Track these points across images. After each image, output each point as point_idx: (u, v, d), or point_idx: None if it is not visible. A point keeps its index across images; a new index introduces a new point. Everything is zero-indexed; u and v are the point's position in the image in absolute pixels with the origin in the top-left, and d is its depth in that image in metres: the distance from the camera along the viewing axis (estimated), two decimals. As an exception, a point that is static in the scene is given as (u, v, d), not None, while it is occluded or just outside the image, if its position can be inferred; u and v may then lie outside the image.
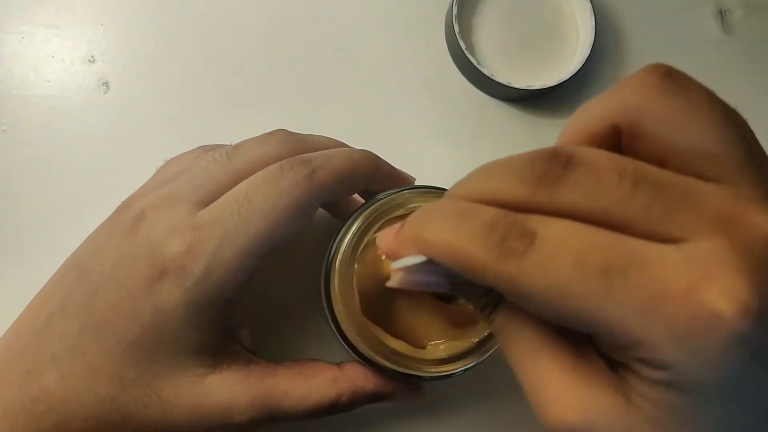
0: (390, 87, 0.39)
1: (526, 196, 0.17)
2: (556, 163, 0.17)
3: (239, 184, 0.27)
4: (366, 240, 0.28)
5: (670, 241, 0.16)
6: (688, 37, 0.42)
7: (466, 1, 0.39)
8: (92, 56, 0.37)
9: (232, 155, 0.28)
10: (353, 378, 0.29)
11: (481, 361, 0.28)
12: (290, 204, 0.26)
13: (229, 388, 0.27)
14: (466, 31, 0.39)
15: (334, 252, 0.28)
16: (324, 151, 0.29)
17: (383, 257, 0.29)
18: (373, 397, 0.30)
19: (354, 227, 0.28)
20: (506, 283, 0.17)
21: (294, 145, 0.29)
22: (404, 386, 0.30)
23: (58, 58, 0.37)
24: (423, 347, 0.29)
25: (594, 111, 0.19)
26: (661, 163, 0.17)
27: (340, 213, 0.33)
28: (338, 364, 0.30)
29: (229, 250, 0.26)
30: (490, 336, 0.28)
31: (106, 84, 0.37)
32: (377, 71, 0.39)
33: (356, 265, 0.28)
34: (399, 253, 0.19)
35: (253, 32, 0.38)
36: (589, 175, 0.17)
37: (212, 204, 0.27)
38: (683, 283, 0.15)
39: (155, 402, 0.26)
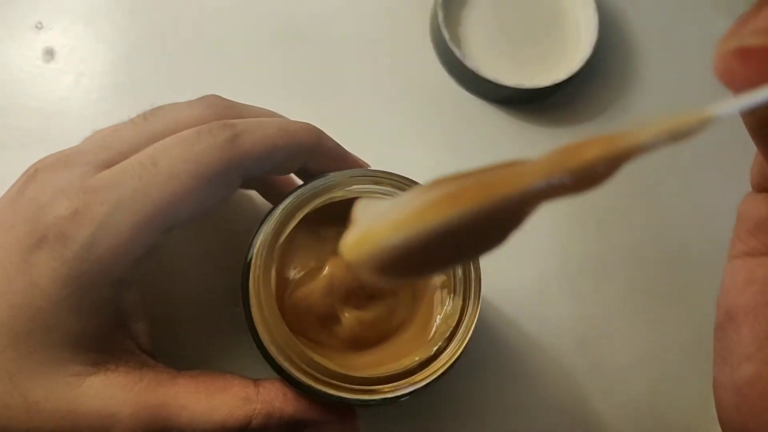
0: (364, 75, 0.35)
1: None
2: None
3: (148, 147, 0.23)
4: (291, 226, 0.23)
5: None
6: (698, 37, 0.37)
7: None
8: (40, 23, 0.34)
9: (150, 116, 0.25)
10: (270, 399, 0.25)
11: (428, 384, 0.23)
12: (202, 170, 0.23)
13: (112, 393, 0.23)
14: (453, 21, 0.35)
15: (256, 242, 0.24)
16: (255, 118, 0.25)
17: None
18: (293, 424, 0.25)
19: (278, 211, 0.23)
20: None
21: (222, 110, 0.25)
22: (334, 414, 0.25)
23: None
24: (353, 365, 0.24)
25: None
26: None
27: (275, 197, 0.29)
28: (255, 381, 0.25)
29: (122, 217, 0.22)
30: (435, 355, 0.23)
31: (50, 52, 0.34)
32: (350, 56, 0.35)
33: (278, 259, 0.23)
34: None
35: (226, 13, 0.35)
36: None
37: (114, 166, 0.23)
38: None
39: (19, 403, 0.22)
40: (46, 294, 0.22)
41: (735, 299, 0.20)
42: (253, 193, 0.29)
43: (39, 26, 0.34)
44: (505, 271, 0.32)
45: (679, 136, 0.13)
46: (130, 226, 0.22)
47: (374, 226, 0.13)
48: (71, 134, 0.26)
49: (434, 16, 0.34)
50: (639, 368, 0.32)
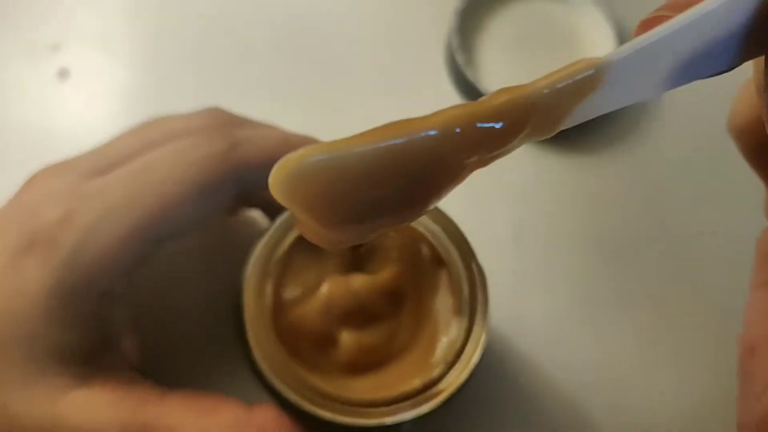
0: (375, 97, 0.35)
1: None
2: None
3: (143, 155, 0.23)
4: (288, 242, 0.23)
5: None
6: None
7: (469, 15, 0.35)
8: (56, 44, 0.35)
9: (149, 126, 0.25)
10: (262, 423, 0.23)
11: (430, 414, 0.21)
12: (196, 179, 0.22)
13: (97, 409, 0.22)
14: (468, 47, 0.35)
15: (252, 258, 0.23)
16: (255, 131, 0.25)
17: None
18: (286, 451, 0.23)
19: (275, 226, 0.23)
20: None
21: (223, 121, 0.25)
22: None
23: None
24: (351, 389, 0.22)
25: None
26: None
27: (276, 213, 0.28)
28: (247, 404, 0.24)
29: (110, 225, 0.22)
30: (437, 379, 0.21)
31: (65, 72, 0.34)
32: (362, 78, 0.35)
33: (273, 276, 0.23)
34: None
35: (243, 29, 0.36)
36: None
37: (107, 174, 0.23)
38: None
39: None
40: (32, 302, 0.21)
41: (756, 330, 0.19)
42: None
43: (55, 47, 0.35)
44: (519, 303, 0.31)
45: (580, 84, 0.14)
46: (118, 234, 0.22)
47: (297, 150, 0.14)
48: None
49: (449, 42, 0.34)
50: (665, 412, 0.30)
